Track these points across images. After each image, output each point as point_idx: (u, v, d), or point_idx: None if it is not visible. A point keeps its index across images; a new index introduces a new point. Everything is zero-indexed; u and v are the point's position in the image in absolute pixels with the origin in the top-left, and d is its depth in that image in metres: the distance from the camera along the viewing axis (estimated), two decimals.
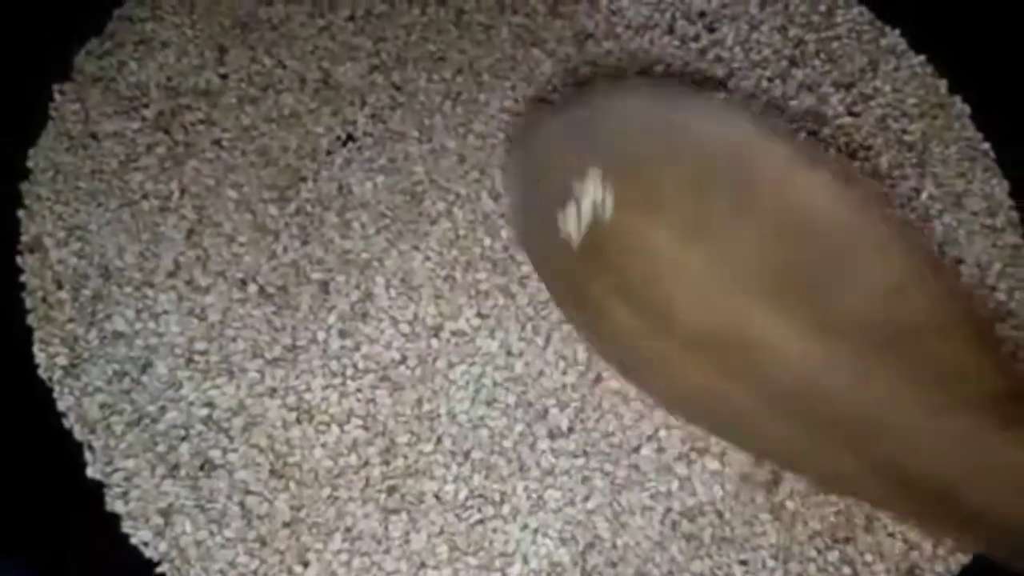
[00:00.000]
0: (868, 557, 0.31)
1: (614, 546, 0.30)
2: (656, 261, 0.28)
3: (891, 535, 0.31)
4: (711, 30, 0.36)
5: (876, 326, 0.27)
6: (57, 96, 0.35)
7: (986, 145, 0.35)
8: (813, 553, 0.31)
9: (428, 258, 0.33)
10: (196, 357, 0.32)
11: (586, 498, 0.31)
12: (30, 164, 0.34)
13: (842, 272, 0.27)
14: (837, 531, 0.31)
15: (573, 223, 0.29)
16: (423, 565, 0.30)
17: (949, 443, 0.27)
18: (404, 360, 0.32)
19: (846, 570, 0.30)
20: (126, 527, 0.31)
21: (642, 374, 0.31)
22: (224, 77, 0.35)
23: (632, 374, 0.31)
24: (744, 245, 0.27)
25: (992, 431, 0.27)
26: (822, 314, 0.27)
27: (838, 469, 0.28)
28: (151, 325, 0.32)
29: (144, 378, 0.32)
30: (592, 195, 0.29)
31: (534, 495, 0.31)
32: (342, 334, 0.33)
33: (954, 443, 0.27)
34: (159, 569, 0.31)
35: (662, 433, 0.32)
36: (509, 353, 0.32)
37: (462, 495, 0.31)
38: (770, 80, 0.35)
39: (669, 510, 0.31)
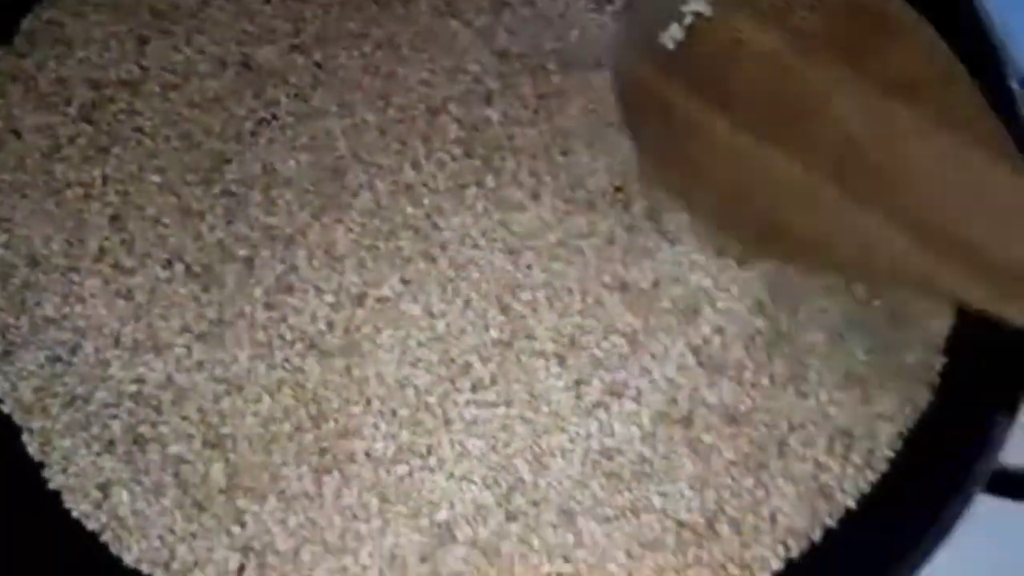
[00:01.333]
0: (780, 481, 0.32)
1: (536, 486, 0.32)
2: (760, 68, 0.31)
3: (802, 459, 0.32)
4: None
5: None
6: None
7: None
8: (728, 481, 0.32)
9: (351, 229, 0.35)
10: (123, 337, 0.33)
11: (507, 444, 0.32)
12: None
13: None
14: (750, 459, 0.32)
15: (676, 31, 0.32)
16: (355, 518, 0.32)
17: (963, 184, 0.29)
18: (331, 329, 0.33)
19: (760, 493, 0.32)
20: (67, 502, 0.32)
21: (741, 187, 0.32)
22: (144, 68, 0.36)
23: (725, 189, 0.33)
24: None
25: (1005, 172, 0.29)
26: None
27: (868, 228, 0.30)
28: (79, 309, 0.33)
29: (75, 360, 0.33)
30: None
31: (459, 445, 0.32)
32: (268, 307, 0.34)
33: (967, 184, 0.29)
34: (101, 539, 0.32)
35: (581, 384, 0.33)
36: (431, 315, 0.34)
37: (391, 451, 0.32)
38: None
39: (588, 450, 0.32)
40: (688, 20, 0.33)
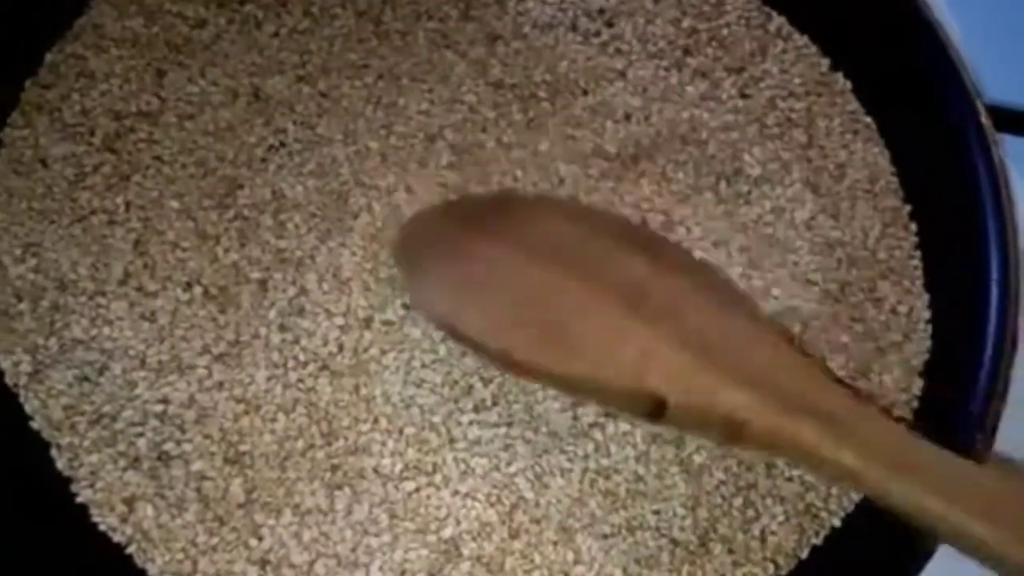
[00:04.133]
0: (768, 500, 0.34)
1: (537, 504, 0.34)
2: None
3: (789, 479, 0.34)
4: (610, 25, 0.38)
5: None
6: (7, 126, 0.37)
7: (868, 118, 0.37)
8: (719, 500, 0.34)
9: (354, 253, 0.36)
10: (148, 358, 0.35)
11: (509, 463, 0.34)
12: None
13: None
14: (740, 479, 0.34)
15: None
16: (366, 532, 0.33)
17: None
18: (340, 351, 0.35)
19: (750, 513, 0.34)
20: (94, 516, 0.34)
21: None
22: (163, 99, 0.38)
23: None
24: None
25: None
26: None
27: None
28: (106, 331, 0.35)
29: (102, 380, 0.35)
30: None
31: (463, 463, 0.34)
32: (282, 328, 0.35)
33: None
34: (127, 551, 0.34)
35: (577, 405, 0.34)
36: (433, 338, 0.35)
37: (398, 468, 0.34)
38: (667, 69, 0.38)
39: (586, 470, 0.34)
40: None
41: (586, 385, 0.31)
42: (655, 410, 0.29)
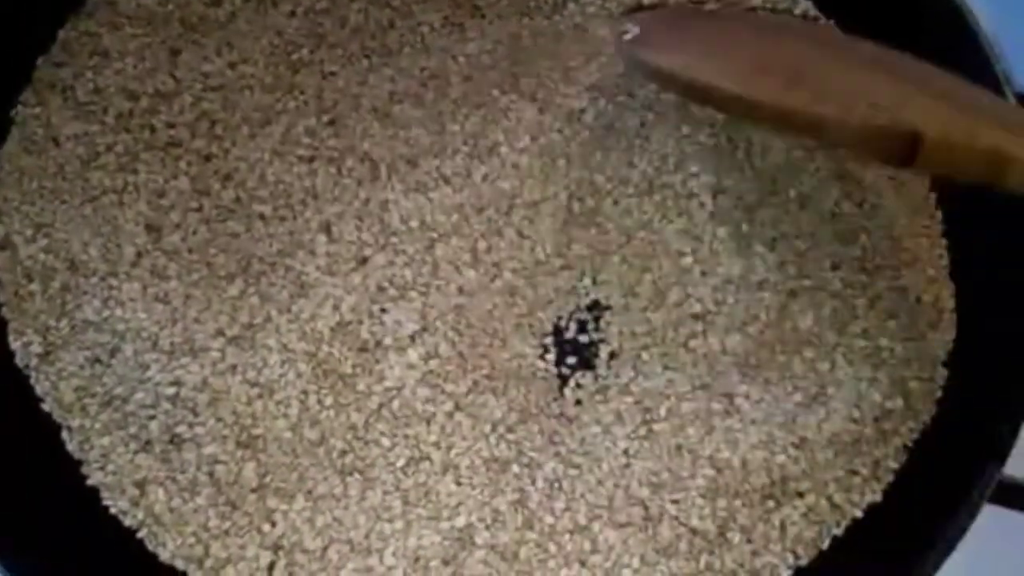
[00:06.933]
0: (789, 491, 0.33)
1: (552, 493, 0.33)
2: None
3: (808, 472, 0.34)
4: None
5: None
6: (19, 104, 0.37)
7: None
8: (738, 489, 0.33)
9: (367, 231, 0.35)
10: (161, 340, 0.35)
11: (526, 451, 0.33)
12: None
13: None
14: (760, 469, 0.33)
15: None
16: (379, 518, 0.33)
17: None
18: (347, 335, 0.34)
19: (770, 503, 0.33)
20: (105, 499, 0.34)
21: None
22: (177, 79, 0.37)
23: None
24: None
25: None
26: None
27: None
28: (118, 312, 0.35)
29: (114, 362, 0.34)
30: None
31: (476, 452, 0.33)
32: (291, 311, 0.35)
33: None
34: (138, 535, 0.33)
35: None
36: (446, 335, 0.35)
37: (408, 455, 0.34)
38: None
39: (603, 458, 0.33)
40: None
41: (835, 126, 0.29)
42: (909, 150, 0.28)
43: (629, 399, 0.34)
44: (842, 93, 0.30)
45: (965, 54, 0.35)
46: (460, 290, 0.35)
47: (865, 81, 0.30)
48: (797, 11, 0.38)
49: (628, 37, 0.34)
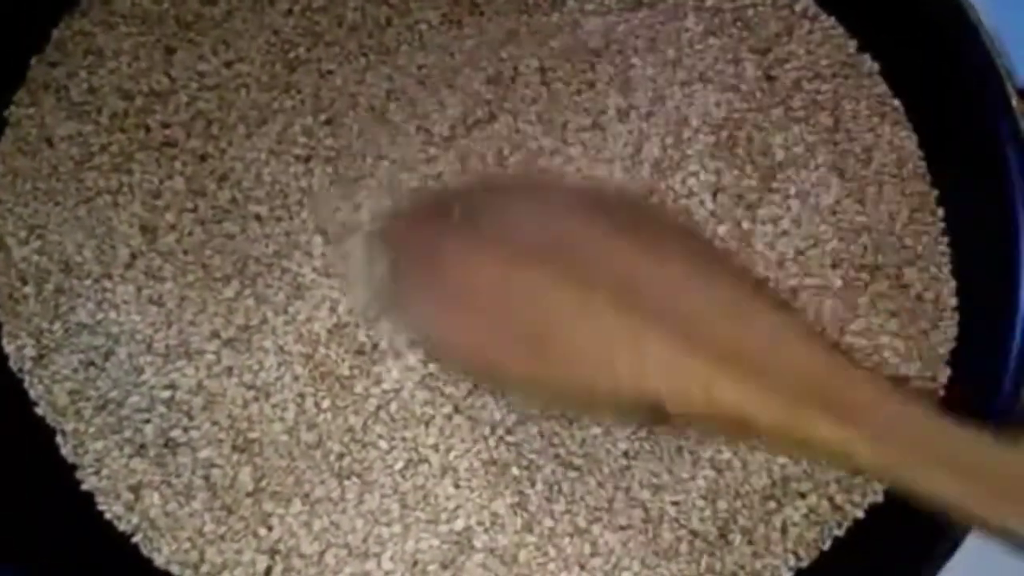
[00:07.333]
0: (789, 492, 0.33)
1: (552, 496, 0.33)
2: None
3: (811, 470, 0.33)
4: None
5: None
6: (13, 104, 0.36)
7: (896, 101, 0.36)
8: (739, 491, 0.33)
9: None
10: (155, 343, 0.34)
11: (524, 454, 0.33)
12: None
13: None
14: (761, 470, 0.33)
15: None
16: (376, 522, 0.33)
17: None
18: (344, 337, 0.34)
19: (771, 504, 0.33)
20: (99, 504, 0.33)
21: None
22: (172, 78, 0.37)
23: None
24: None
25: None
26: None
27: None
28: (112, 315, 0.34)
29: (108, 365, 0.34)
30: None
31: (476, 455, 0.33)
32: (287, 312, 0.34)
33: None
34: (133, 540, 0.33)
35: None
36: None
37: (406, 458, 0.33)
38: (688, 54, 0.37)
39: (603, 461, 0.33)
40: None
41: (584, 399, 0.29)
42: (658, 416, 0.28)
43: None
44: (589, 357, 0.28)
45: (966, 50, 0.35)
46: None
47: (613, 333, 0.28)
48: (797, 7, 0.37)
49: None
